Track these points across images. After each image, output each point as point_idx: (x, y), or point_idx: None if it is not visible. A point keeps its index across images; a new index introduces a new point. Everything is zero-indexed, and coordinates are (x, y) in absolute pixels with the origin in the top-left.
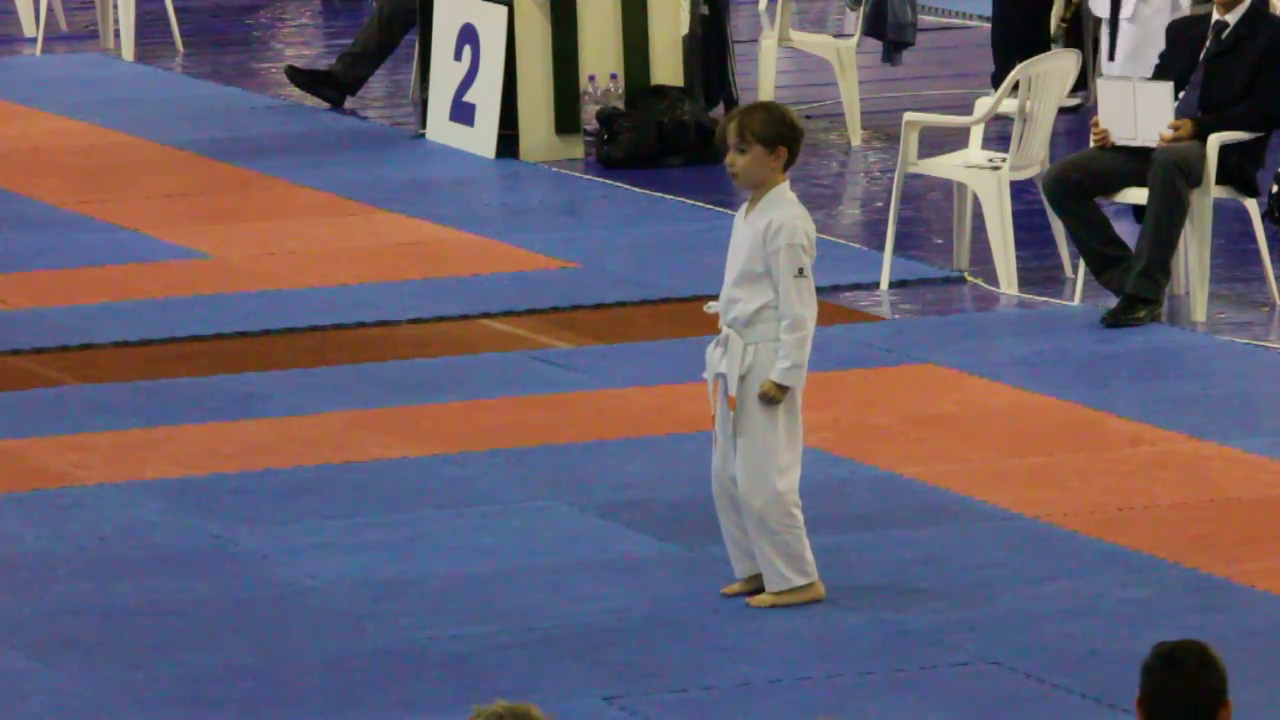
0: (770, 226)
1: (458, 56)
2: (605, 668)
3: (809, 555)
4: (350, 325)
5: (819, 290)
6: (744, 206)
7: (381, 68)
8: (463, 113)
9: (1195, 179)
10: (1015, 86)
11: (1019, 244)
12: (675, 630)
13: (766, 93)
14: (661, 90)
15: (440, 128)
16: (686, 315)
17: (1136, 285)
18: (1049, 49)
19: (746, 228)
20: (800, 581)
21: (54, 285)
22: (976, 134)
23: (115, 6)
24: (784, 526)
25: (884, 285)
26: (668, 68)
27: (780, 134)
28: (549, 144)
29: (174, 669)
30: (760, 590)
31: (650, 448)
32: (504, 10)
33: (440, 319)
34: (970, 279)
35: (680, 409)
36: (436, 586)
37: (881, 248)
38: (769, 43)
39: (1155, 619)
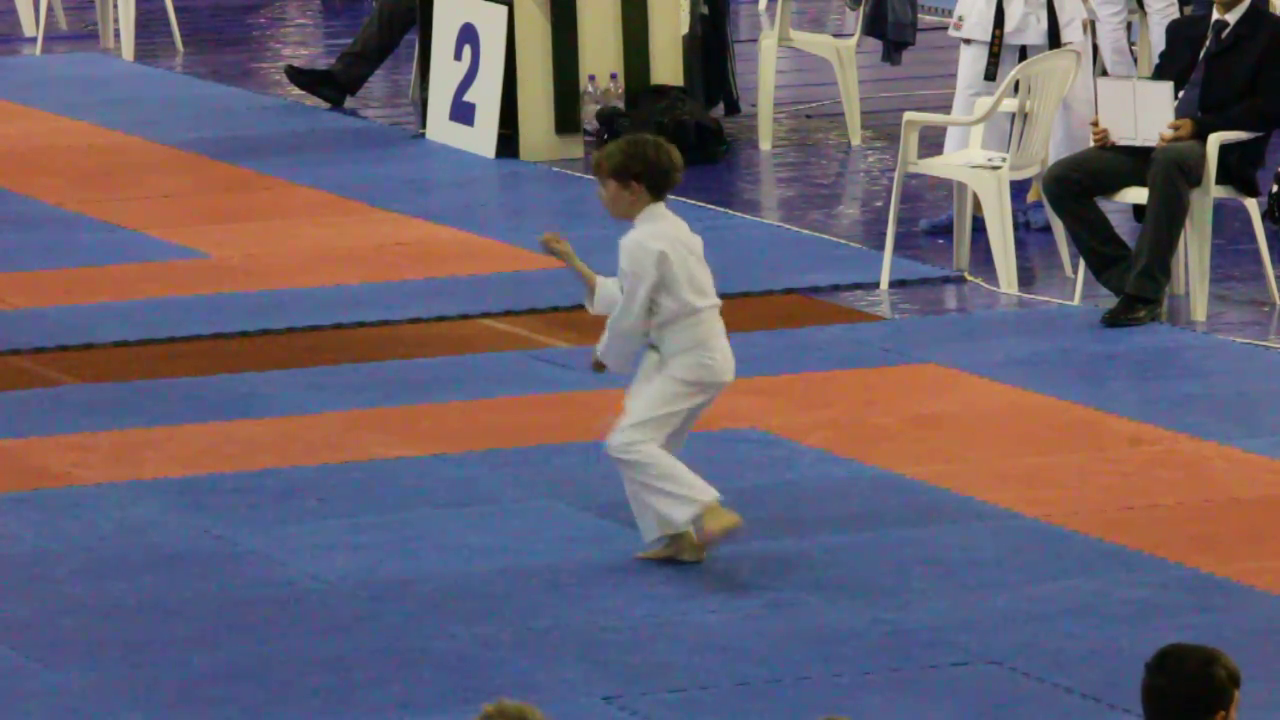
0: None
1: (458, 56)
2: (605, 668)
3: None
4: (350, 325)
5: (819, 290)
6: None
7: (381, 68)
8: (463, 112)
9: (1195, 179)
10: (1015, 86)
11: (1019, 244)
12: (675, 630)
13: (766, 93)
14: (661, 90)
15: (440, 127)
16: None
17: (1136, 285)
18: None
19: None
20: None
21: (54, 285)
22: (976, 134)
23: (115, 6)
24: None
25: (884, 285)
26: (668, 68)
27: (631, 168)
28: (549, 144)
29: (174, 669)
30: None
31: None
32: (504, 10)
33: (440, 319)
34: (970, 279)
35: None
36: (436, 586)
37: (881, 248)
38: (769, 42)
39: (1155, 619)
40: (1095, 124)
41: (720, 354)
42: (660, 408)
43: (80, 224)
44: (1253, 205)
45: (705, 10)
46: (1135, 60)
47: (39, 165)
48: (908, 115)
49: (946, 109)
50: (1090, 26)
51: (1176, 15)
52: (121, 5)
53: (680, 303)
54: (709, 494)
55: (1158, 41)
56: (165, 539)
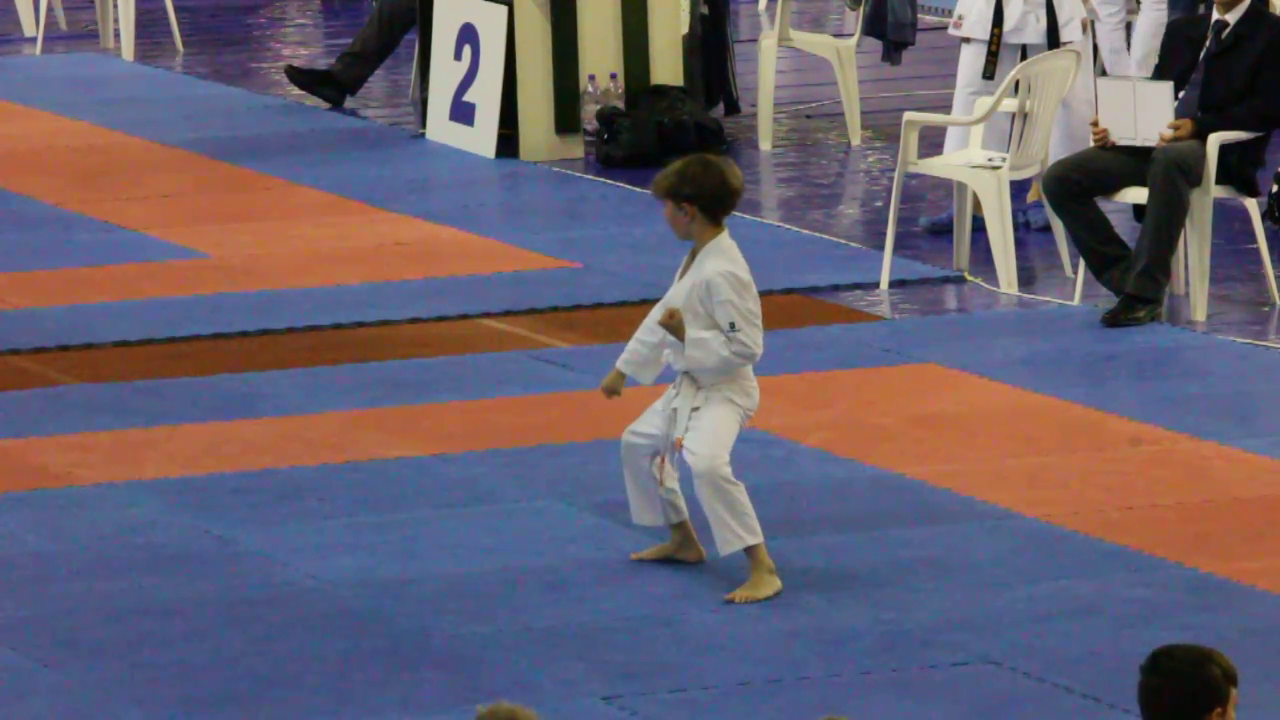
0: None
1: (458, 56)
2: (605, 668)
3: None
4: (350, 325)
5: (819, 290)
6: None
7: (381, 68)
8: (463, 112)
9: (1195, 179)
10: (1015, 86)
11: (1019, 244)
12: (675, 630)
13: (766, 93)
14: (661, 90)
15: (440, 127)
16: None
17: (1136, 285)
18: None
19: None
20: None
21: (54, 285)
22: (976, 134)
23: (115, 6)
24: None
25: (884, 285)
26: (668, 68)
27: (681, 190)
28: (549, 144)
29: (174, 669)
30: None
31: None
32: (504, 10)
33: (440, 319)
34: (970, 279)
35: None
36: (436, 586)
37: (881, 248)
38: (769, 42)
39: (1155, 619)
40: (1095, 124)
41: (755, 382)
42: (732, 431)
43: (80, 224)
44: (1253, 205)
45: (705, 10)
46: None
47: (39, 165)
48: (908, 115)
49: (946, 109)
50: (1090, 26)
51: (1166, 12)
52: (121, 5)
53: None
54: (759, 536)
55: (1146, 35)
56: (165, 539)
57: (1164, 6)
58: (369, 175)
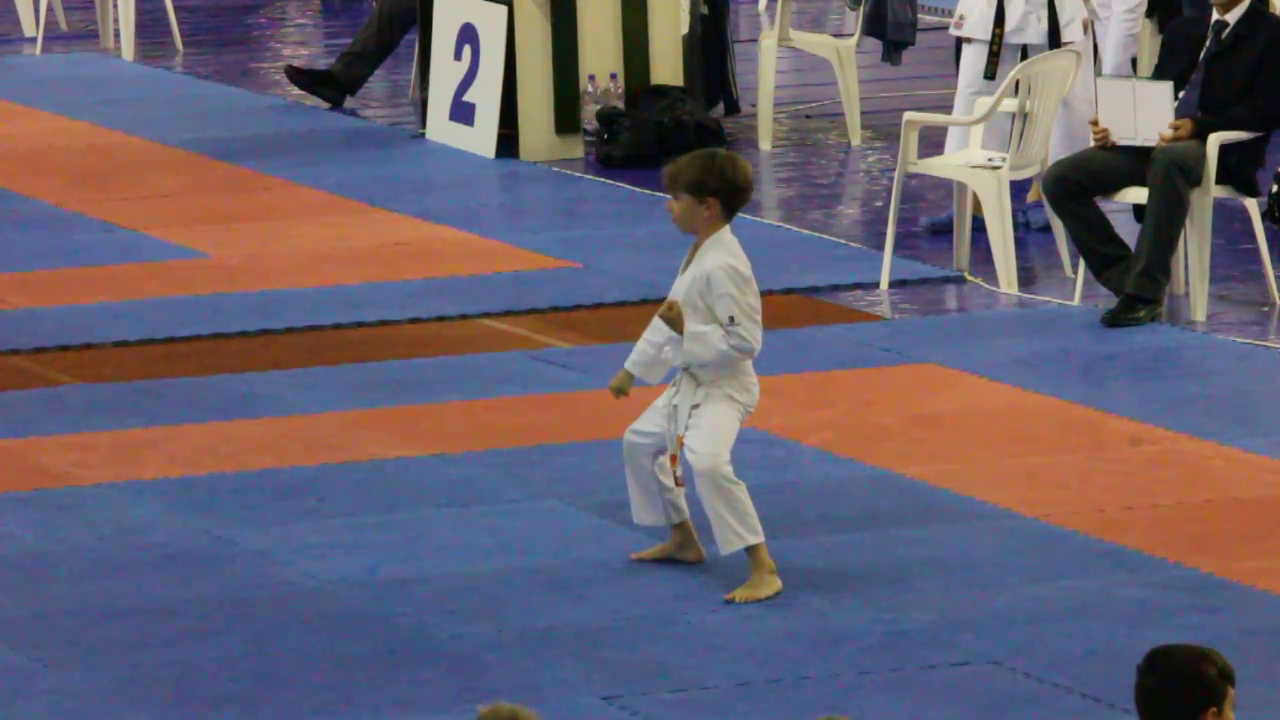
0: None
1: (458, 56)
2: (605, 668)
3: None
4: (350, 325)
5: (819, 290)
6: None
7: (381, 68)
8: (463, 112)
9: (1195, 178)
10: (1016, 86)
11: (1019, 244)
12: (675, 630)
13: (766, 92)
14: (661, 90)
15: (440, 127)
16: None
17: (1136, 285)
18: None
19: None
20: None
21: (54, 285)
22: (976, 134)
23: (115, 6)
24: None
25: (884, 285)
26: (668, 68)
27: (707, 184)
28: (549, 144)
29: (174, 669)
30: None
31: None
32: (504, 10)
33: (440, 319)
34: (970, 279)
35: None
36: (436, 586)
37: (881, 248)
38: (769, 42)
39: (1155, 619)
40: (1095, 124)
41: (755, 378)
42: (732, 429)
43: (80, 224)
44: (1253, 205)
45: (705, 10)
46: (1135, 61)
47: (39, 165)
48: (908, 115)
49: (946, 109)
50: (1090, 26)
51: (1141, 13)
52: (121, 5)
53: None
54: (760, 535)
55: (1117, 48)
56: (165, 539)
57: (1136, 18)
58: (369, 175)
